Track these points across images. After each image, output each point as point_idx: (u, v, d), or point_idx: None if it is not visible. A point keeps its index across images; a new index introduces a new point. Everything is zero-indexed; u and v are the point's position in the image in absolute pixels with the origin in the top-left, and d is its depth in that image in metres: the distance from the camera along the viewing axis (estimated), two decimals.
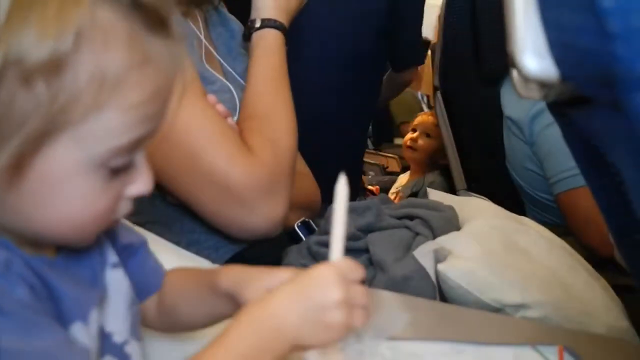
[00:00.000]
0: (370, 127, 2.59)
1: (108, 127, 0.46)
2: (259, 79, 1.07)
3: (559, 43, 0.45)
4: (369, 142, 3.03)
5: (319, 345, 0.52)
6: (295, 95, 1.11)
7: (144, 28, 0.47)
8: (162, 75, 0.49)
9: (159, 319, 0.67)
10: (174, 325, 0.68)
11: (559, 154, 1.47)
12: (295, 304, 0.51)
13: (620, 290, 1.04)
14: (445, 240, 0.98)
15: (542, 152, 1.56)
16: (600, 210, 0.73)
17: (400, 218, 1.06)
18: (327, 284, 0.52)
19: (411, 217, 1.07)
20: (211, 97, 1.01)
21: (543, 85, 0.57)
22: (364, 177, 2.41)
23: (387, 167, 2.79)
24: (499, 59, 1.53)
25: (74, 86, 0.44)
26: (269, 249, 1.09)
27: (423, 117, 2.54)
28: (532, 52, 0.48)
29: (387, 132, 3.49)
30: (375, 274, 0.95)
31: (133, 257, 0.64)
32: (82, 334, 0.52)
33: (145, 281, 0.65)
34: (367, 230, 1.03)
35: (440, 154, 2.35)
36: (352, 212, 1.06)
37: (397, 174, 2.62)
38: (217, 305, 0.63)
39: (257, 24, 1.11)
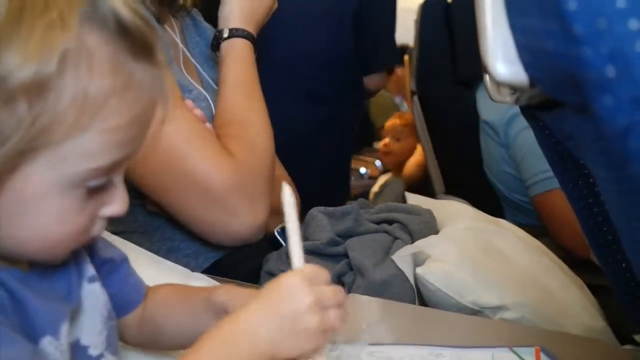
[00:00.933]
0: None
1: (86, 149, 0.46)
2: (232, 87, 1.07)
3: (527, 48, 0.46)
4: None
5: (300, 354, 0.51)
6: (278, 100, 1.11)
7: (129, 54, 0.47)
8: (144, 101, 0.49)
9: (142, 336, 0.66)
10: (159, 343, 0.67)
11: (534, 156, 1.48)
12: (266, 318, 0.50)
13: (597, 291, 1.05)
14: (423, 244, 0.99)
15: (518, 155, 1.57)
16: (574, 212, 0.74)
17: (379, 222, 1.06)
18: (294, 291, 0.51)
19: (390, 222, 1.07)
20: (188, 102, 1.01)
21: (514, 89, 0.58)
22: None
23: (368, 172, 2.79)
24: (474, 63, 1.54)
25: (55, 108, 0.44)
26: (249, 256, 1.08)
27: (390, 122, 2.55)
28: (502, 58, 0.48)
29: (367, 136, 3.50)
30: (355, 278, 0.95)
31: (114, 273, 0.63)
32: (52, 348, 0.51)
33: (126, 297, 0.64)
34: (346, 235, 1.03)
35: (414, 153, 2.36)
36: (331, 217, 1.06)
37: (377, 178, 2.62)
38: (211, 322, 0.62)
39: (225, 34, 1.10)
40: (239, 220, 0.97)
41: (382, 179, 2.53)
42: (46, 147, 0.45)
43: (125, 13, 0.47)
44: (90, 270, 0.59)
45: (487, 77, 0.62)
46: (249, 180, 0.97)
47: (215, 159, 0.95)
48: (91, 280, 0.58)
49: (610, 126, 0.38)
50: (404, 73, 3.04)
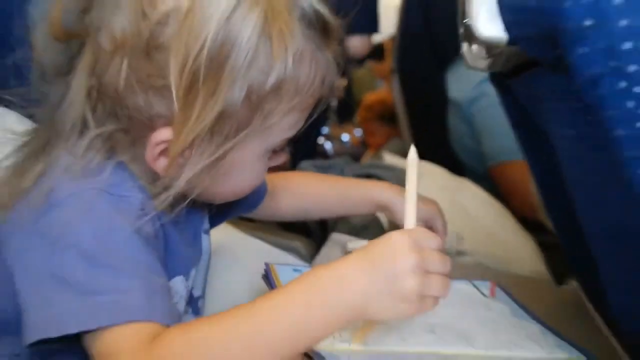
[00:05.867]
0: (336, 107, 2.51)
1: (287, 125, 0.48)
2: None
3: (510, 7, 0.44)
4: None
5: (392, 317, 0.43)
6: None
7: (322, 45, 0.47)
8: (325, 81, 0.49)
9: (287, 213, 0.71)
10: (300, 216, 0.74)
11: (493, 133, 1.48)
12: (364, 271, 0.42)
13: (541, 245, 1.05)
14: None
15: (479, 131, 1.56)
16: (533, 174, 0.72)
17: (360, 176, 1.05)
18: (399, 249, 0.42)
19: (370, 176, 1.05)
20: None
21: (490, 52, 0.56)
22: None
23: (350, 139, 2.75)
24: (448, 46, 1.51)
25: (279, 100, 0.45)
26: None
27: (367, 103, 2.43)
28: (485, 18, 0.46)
29: (349, 111, 3.45)
30: (336, 222, 0.94)
31: None
32: (181, 286, 0.52)
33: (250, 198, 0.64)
34: None
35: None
36: (318, 169, 1.04)
37: (357, 145, 2.58)
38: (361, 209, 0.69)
39: None
40: None
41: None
42: (264, 130, 0.46)
43: (324, 11, 0.47)
44: (206, 223, 0.58)
45: (464, 47, 0.61)
46: None
47: None
48: (206, 232, 0.58)
49: (583, 76, 0.36)
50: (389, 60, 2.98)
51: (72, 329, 0.41)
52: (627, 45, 0.33)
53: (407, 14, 1.72)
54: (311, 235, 0.95)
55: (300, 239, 0.90)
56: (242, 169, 0.48)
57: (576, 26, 0.35)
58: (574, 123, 0.48)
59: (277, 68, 0.44)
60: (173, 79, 0.42)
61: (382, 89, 2.45)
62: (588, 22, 0.34)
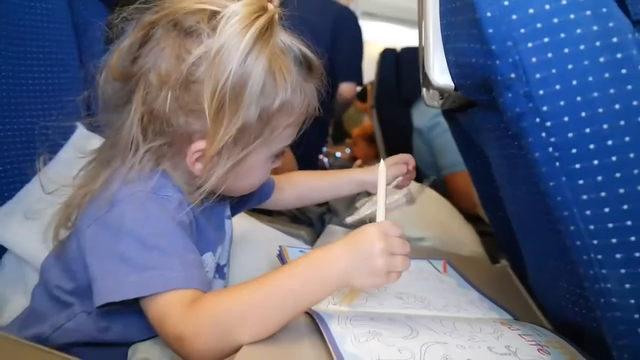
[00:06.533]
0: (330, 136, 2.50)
1: (286, 136, 0.48)
2: None
3: (455, 64, 0.43)
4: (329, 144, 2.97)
5: (368, 286, 0.43)
6: None
7: (307, 77, 0.47)
8: (311, 103, 0.49)
9: (295, 202, 0.69)
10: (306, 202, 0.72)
11: (445, 152, 1.48)
12: (346, 253, 0.42)
13: (480, 233, 1.04)
14: (374, 198, 0.97)
15: (436, 150, 1.56)
16: (474, 182, 0.72)
17: None
18: (371, 237, 0.42)
19: None
20: None
21: (442, 95, 0.56)
22: None
23: (342, 155, 2.75)
24: (412, 90, 1.52)
25: (281, 117, 0.45)
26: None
27: (354, 133, 2.42)
28: (438, 71, 0.46)
29: (341, 137, 3.45)
30: (332, 217, 0.94)
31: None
32: (210, 260, 0.51)
33: (263, 192, 0.64)
34: None
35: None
36: None
37: (347, 160, 2.58)
38: (347, 189, 0.67)
39: None
40: None
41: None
42: (269, 140, 0.46)
43: (309, 54, 0.47)
44: (228, 211, 0.57)
45: (424, 91, 0.60)
46: None
47: None
48: (228, 218, 0.57)
49: (510, 113, 0.36)
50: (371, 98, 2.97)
51: (131, 296, 0.41)
52: (541, 92, 0.33)
53: (382, 66, 1.73)
54: (313, 226, 0.94)
55: (305, 229, 0.89)
56: (254, 169, 0.48)
57: (504, 78, 0.34)
58: (501, 146, 0.48)
59: (280, 95, 0.44)
60: (206, 104, 0.42)
61: (365, 121, 2.46)
62: (512, 75, 0.34)
